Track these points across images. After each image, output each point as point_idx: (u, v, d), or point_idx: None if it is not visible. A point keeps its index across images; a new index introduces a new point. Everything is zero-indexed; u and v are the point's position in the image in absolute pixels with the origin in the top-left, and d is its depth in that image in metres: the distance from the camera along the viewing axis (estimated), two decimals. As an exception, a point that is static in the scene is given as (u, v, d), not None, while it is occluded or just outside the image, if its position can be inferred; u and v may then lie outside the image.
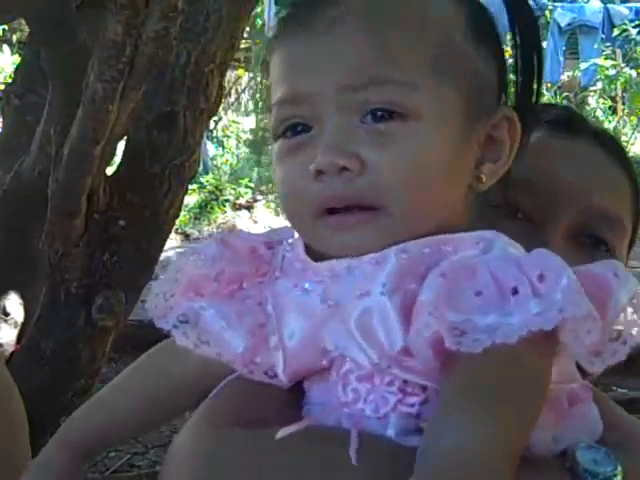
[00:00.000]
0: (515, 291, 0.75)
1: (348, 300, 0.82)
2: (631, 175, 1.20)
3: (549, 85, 13.95)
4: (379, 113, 0.80)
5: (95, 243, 2.87)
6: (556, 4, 13.42)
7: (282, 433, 0.82)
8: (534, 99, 0.92)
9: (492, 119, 0.86)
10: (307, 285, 0.86)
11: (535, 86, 0.93)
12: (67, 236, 2.81)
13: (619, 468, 0.84)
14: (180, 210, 3.13)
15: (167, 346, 0.99)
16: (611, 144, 1.22)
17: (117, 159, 3.15)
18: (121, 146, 3.10)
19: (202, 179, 10.79)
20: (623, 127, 12.66)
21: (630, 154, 11.79)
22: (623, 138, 12.18)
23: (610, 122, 13.07)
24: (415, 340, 0.78)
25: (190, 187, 3.19)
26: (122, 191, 2.93)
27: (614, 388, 4.60)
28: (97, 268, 2.86)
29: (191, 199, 10.41)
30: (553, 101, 14.43)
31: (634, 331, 0.80)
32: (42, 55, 2.95)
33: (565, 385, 0.87)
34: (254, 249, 0.91)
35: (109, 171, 3.04)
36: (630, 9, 12.74)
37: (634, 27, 11.95)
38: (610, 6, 13.02)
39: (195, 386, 0.96)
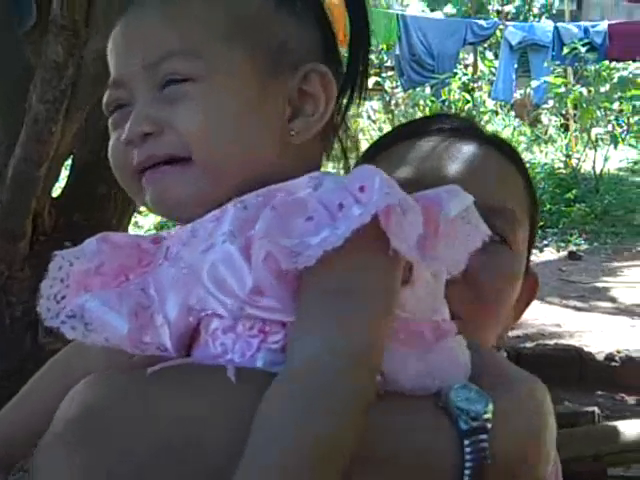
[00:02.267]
0: (341, 206, 0.82)
1: (197, 259, 0.87)
2: (525, 176, 1.25)
3: (502, 103, 14.13)
4: (172, 81, 0.90)
5: (41, 265, 2.83)
6: (508, 23, 13.63)
7: (155, 367, 0.85)
8: (362, 62, 0.98)
9: (297, 74, 0.92)
10: (175, 258, 0.91)
11: (362, 52, 0.98)
12: (12, 259, 2.78)
13: (490, 406, 0.87)
14: (127, 231, 3.10)
15: (71, 350, 1.00)
16: (506, 149, 1.28)
17: (63, 181, 3.12)
18: (67, 167, 3.08)
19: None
20: (576, 144, 12.80)
21: (582, 171, 11.96)
22: (575, 155, 12.32)
23: (563, 139, 13.24)
24: (257, 272, 0.83)
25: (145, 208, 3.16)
26: (68, 212, 2.91)
27: (565, 403, 4.65)
28: (43, 291, 2.83)
29: (147, 221, 10.37)
30: (507, 119, 14.62)
31: (466, 238, 0.90)
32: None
33: (427, 317, 0.91)
34: (138, 244, 0.95)
35: (55, 192, 3.02)
36: (579, 28, 12.97)
37: (583, 45, 12.15)
38: (560, 25, 13.24)
39: None
